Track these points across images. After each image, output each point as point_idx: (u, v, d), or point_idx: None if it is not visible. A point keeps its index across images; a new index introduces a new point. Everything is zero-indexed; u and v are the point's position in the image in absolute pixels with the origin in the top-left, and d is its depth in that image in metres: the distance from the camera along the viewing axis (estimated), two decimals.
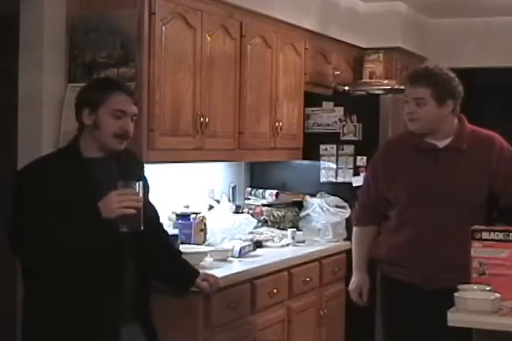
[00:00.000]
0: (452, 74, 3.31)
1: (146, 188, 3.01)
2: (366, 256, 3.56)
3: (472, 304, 2.62)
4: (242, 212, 4.79)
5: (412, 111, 3.27)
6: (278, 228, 4.79)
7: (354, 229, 3.61)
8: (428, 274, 3.24)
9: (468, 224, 2.90)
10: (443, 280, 3.12)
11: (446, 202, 3.25)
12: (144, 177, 3.03)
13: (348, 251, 4.84)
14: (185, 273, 3.21)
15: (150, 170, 3.25)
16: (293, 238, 4.60)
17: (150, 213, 3.05)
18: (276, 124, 4.72)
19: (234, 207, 4.77)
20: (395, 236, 3.37)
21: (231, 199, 4.84)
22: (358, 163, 4.95)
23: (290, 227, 4.77)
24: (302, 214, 4.93)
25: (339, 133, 5.03)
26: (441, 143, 3.31)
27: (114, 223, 2.63)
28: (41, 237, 2.65)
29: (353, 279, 3.63)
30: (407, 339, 3.38)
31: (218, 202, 4.66)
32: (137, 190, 2.67)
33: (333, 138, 5.03)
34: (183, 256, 3.27)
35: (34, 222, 2.67)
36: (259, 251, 4.26)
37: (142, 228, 2.69)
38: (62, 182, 2.69)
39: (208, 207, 4.54)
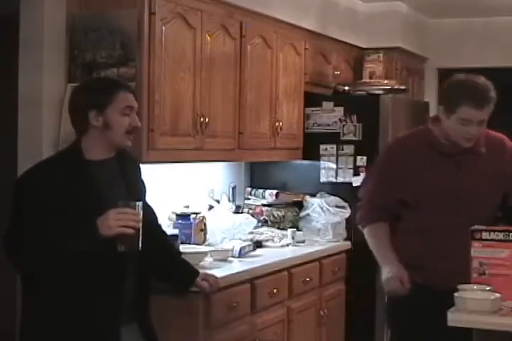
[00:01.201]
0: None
1: (143, 191, 3.01)
2: (390, 247, 3.33)
3: (472, 304, 2.62)
4: (242, 212, 4.79)
5: (477, 134, 3.20)
6: (278, 228, 4.79)
7: (365, 230, 3.43)
8: (446, 276, 3.15)
9: (487, 225, 2.88)
10: (459, 281, 3.05)
11: (467, 205, 3.22)
12: (142, 179, 3.03)
13: (348, 251, 4.86)
14: (185, 273, 3.21)
15: (150, 170, 3.26)
16: (293, 238, 4.60)
17: (148, 215, 3.05)
18: (276, 124, 4.72)
19: (234, 207, 4.77)
20: (413, 238, 3.28)
21: (231, 199, 4.83)
22: (358, 163, 4.95)
23: (290, 227, 4.77)
24: (302, 214, 4.93)
25: (339, 133, 5.03)
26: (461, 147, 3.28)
27: (111, 242, 2.62)
28: (39, 247, 2.63)
29: (388, 270, 3.31)
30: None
31: (218, 202, 4.66)
32: (137, 210, 2.66)
33: (333, 138, 5.03)
34: (183, 256, 3.28)
35: (33, 228, 2.65)
36: (259, 251, 4.26)
37: (140, 249, 2.68)
38: (65, 185, 2.68)
39: (208, 207, 4.54)
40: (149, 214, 3.04)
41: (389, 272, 3.27)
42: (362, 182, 3.65)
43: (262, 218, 4.83)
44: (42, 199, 2.66)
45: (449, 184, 3.25)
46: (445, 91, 3.30)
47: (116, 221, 2.61)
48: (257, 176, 5.24)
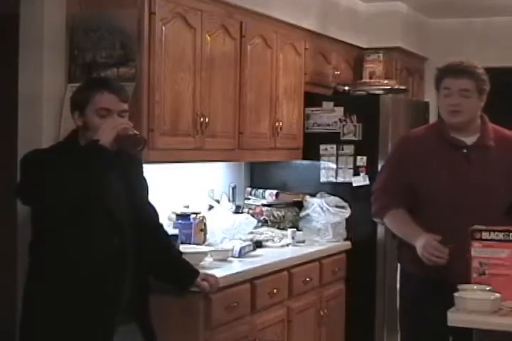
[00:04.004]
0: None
1: (145, 189, 3.02)
2: (415, 224, 3.25)
3: (472, 304, 2.62)
4: (242, 212, 4.79)
5: (457, 103, 3.26)
6: (278, 228, 4.79)
7: (385, 219, 3.39)
8: (456, 271, 3.05)
9: (496, 223, 2.88)
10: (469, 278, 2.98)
11: (477, 201, 3.22)
12: (144, 177, 3.04)
13: (348, 251, 4.86)
14: (185, 273, 3.22)
15: (150, 170, 3.26)
16: (293, 238, 4.60)
17: (150, 213, 3.06)
18: (276, 124, 4.71)
19: (234, 207, 4.77)
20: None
21: (231, 199, 4.83)
22: (358, 163, 4.95)
23: (290, 227, 4.77)
24: (302, 214, 4.93)
25: (339, 133, 5.03)
26: (469, 140, 3.30)
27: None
28: (49, 173, 2.69)
29: (420, 240, 3.16)
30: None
31: (218, 202, 4.66)
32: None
33: (333, 138, 5.03)
34: (183, 256, 3.28)
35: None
36: (259, 251, 4.26)
37: (142, 146, 2.79)
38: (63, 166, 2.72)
39: (208, 207, 4.54)
40: (151, 212, 3.06)
41: (421, 241, 3.15)
42: (377, 177, 3.61)
43: (262, 218, 4.83)
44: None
45: (460, 179, 3.25)
46: (434, 76, 3.42)
47: (109, 125, 2.72)
48: (257, 176, 5.24)
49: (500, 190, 3.28)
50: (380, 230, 4.89)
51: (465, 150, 3.29)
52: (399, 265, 3.59)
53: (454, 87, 3.27)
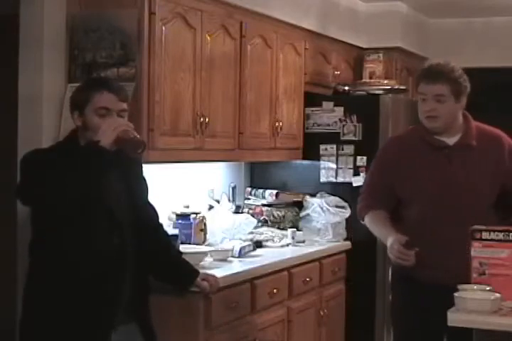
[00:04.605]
0: (462, 71, 3.34)
1: (145, 189, 3.03)
2: (390, 225, 3.30)
3: (472, 304, 2.62)
4: (242, 212, 4.79)
5: (433, 109, 3.25)
6: (278, 228, 4.79)
7: (365, 219, 3.43)
8: (446, 273, 3.14)
9: (481, 222, 2.89)
10: (460, 278, 2.99)
11: (461, 201, 3.23)
12: (143, 177, 3.04)
13: (348, 251, 4.86)
14: (185, 273, 3.22)
15: (150, 170, 3.26)
16: (293, 238, 4.60)
17: (150, 213, 3.06)
18: (276, 124, 4.72)
19: (234, 207, 4.77)
20: (410, 235, 3.19)
21: (231, 199, 4.83)
22: (358, 163, 4.95)
23: (290, 227, 4.77)
24: (302, 214, 4.93)
25: (339, 133, 5.03)
26: (451, 141, 3.31)
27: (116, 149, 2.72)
28: (56, 175, 2.69)
29: (389, 240, 3.19)
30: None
31: (218, 202, 4.66)
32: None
33: (333, 138, 5.03)
34: (183, 256, 3.28)
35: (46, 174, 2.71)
36: (259, 251, 4.26)
37: (142, 149, 2.78)
38: (63, 167, 2.72)
39: (208, 207, 4.54)
40: (151, 212, 3.06)
41: (389, 242, 3.18)
42: (365, 179, 3.68)
43: (262, 218, 4.83)
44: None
45: (440, 177, 3.27)
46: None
47: (109, 127, 2.70)
48: (257, 176, 5.24)
49: (484, 189, 3.28)
50: None
51: (447, 151, 3.30)
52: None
53: (428, 92, 3.27)
